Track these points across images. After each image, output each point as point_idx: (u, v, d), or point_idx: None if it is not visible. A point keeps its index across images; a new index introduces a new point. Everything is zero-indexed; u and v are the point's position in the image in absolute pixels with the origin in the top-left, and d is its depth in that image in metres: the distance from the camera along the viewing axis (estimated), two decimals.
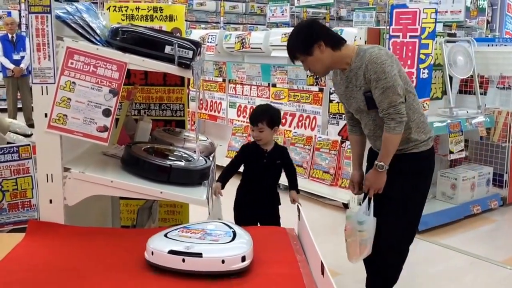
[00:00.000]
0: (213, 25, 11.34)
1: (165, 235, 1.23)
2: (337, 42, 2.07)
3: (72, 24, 1.39)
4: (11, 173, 1.85)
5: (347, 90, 2.15)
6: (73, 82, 1.37)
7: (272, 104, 4.79)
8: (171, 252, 1.16)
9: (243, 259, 1.16)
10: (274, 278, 1.17)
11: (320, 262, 1.08)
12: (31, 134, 2.80)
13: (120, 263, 1.23)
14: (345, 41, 2.11)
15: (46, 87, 1.36)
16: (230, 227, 1.29)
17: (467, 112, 4.04)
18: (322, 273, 1.06)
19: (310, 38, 2.04)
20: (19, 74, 7.06)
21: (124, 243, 1.37)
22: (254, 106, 4.97)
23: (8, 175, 1.84)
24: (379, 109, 2.06)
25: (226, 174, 2.55)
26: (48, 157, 1.39)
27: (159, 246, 1.18)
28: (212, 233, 1.23)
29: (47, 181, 1.40)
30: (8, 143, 2.23)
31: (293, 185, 2.59)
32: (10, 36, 7.14)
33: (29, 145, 1.87)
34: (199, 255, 1.14)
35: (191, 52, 1.44)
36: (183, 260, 1.14)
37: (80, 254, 1.29)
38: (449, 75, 3.94)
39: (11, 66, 7.05)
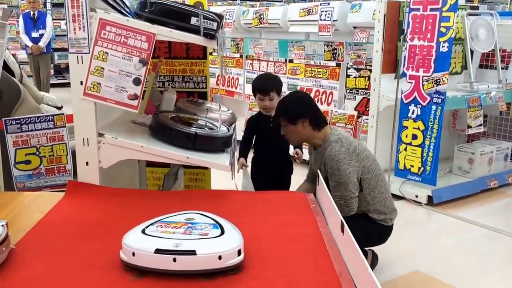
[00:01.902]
0: (230, 2, 11.25)
1: (143, 232, 1.06)
2: (319, 124, 2.29)
3: None
4: (47, 140, 1.98)
5: (315, 166, 2.37)
6: (106, 52, 1.46)
7: (289, 80, 4.86)
8: (159, 251, 0.99)
9: (239, 253, 1.03)
10: (294, 237, 1.23)
11: (340, 220, 1.15)
12: (62, 107, 2.94)
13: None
14: (326, 124, 2.34)
15: (82, 56, 1.45)
16: (213, 219, 1.14)
17: (488, 86, 4.01)
18: (342, 231, 1.13)
19: (298, 111, 2.26)
20: (37, 52, 7.14)
21: (153, 202, 1.49)
22: None
23: (45, 142, 1.97)
24: (332, 196, 2.22)
25: (244, 149, 2.72)
26: (84, 122, 1.50)
27: (142, 246, 1.00)
28: (197, 227, 1.08)
29: (84, 145, 1.51)
30: None
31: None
32: (32, 13, 7.23)
33: (63, 114, 1.99)
34: (192, 252, 0.98)
35: (215, 24, 1.51)
36: (174, 260, 0.98)
37: (115, 211, 1.40)
38: (470, 49, 3.90)
39: (29, 43, 7.13)
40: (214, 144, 1.63)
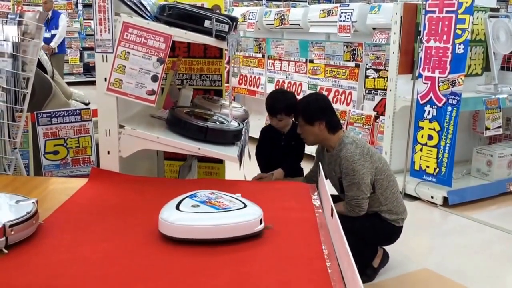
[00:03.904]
0: (256, 2, 11.40)
1: (220, 211, 1.21)
2: (335, 127, 2.36)
3: (128, 2, 1.62)
4: (74, 133, 2.16)
5: (328, 168, 2.41)
6: (128, 52, 1.61)
7: (309, 80, 4.94)
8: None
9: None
10: (292, 221, 1.35)
11: (330, 206, 1.27)
12: (89, 103, 3.14)
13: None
14: (341, 127, 2.40)
15: (106, 55, 1.61)
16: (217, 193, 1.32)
17: (510, 89, 3.98)
18: (332, 215, 1.25)
19: (316, 113, 2.32)
20: (48, 52, 6.89)
21: (167, 188, 1.63)
22: (292, 82, 5.18)
23: (72, 134, 2.16)
24: (345, 195, 2.34)
25: (263, 163, 2.67)
26: (107, 115, 1.66)
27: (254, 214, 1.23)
28: (225, 202, 1.26)
29: (106, 135, 1.67)
30: None
31: (286, 166, 2.62)
32: (46, 13, 7.05)
33: (89, 108, 2.17)
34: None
35: (227, 26, 1.64)
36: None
37: (133, 195, 1.55)
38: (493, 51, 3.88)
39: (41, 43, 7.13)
40: (224, 137, 1.76)
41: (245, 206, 1.25)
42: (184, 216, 1.19)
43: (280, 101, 2.59)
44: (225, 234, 1.18)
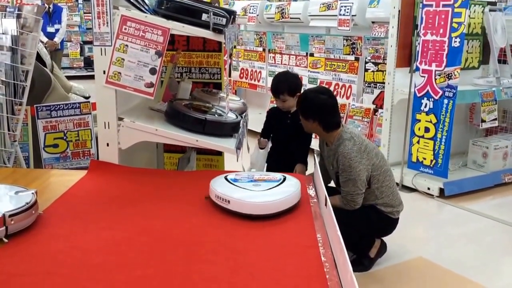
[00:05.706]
0: None
1: (268, 190, 1.35)
2: (330, 127, 2.38)
3: None
4: (74, 126, 2.18)
5: (327, 161, 2.48)
6: (126, 45, 1.63)
7: (309, 73, 4.95)
8: None
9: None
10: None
11: (324, 195, 1.30)
12: (89, 97, 3.16)
13: (168, 194, 1.50)
14: (339, 127, 2.39)
15: (105, 49, 1.63)
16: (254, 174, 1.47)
17: (508, 81, 3.99)
18: (326, 204, 1.28)
19: (311, 111, 2.36)
20: (52, 48, 6.81)
21: (167, 179, 1.66)
22: None
23: (72, 127, 2.18)
24: (341, 190, 2.39)
25: (265, 131, 2.76)
26: (106, 107, 1.68)
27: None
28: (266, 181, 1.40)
29: (105, 127, 1.69)
30: None
31: (301, 157, 2.66)
32: (47, 7, 6.96)
33: (89, 102, 2.19)
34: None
35: (224, 19, 1.65)
36: None
37: (132, 186, 1.57)
38: (487, 45, 3.89)
39: (44, 39, 6.69)
40: (222, 129, 1.78)
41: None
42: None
43: (282, 82, 2.65)
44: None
